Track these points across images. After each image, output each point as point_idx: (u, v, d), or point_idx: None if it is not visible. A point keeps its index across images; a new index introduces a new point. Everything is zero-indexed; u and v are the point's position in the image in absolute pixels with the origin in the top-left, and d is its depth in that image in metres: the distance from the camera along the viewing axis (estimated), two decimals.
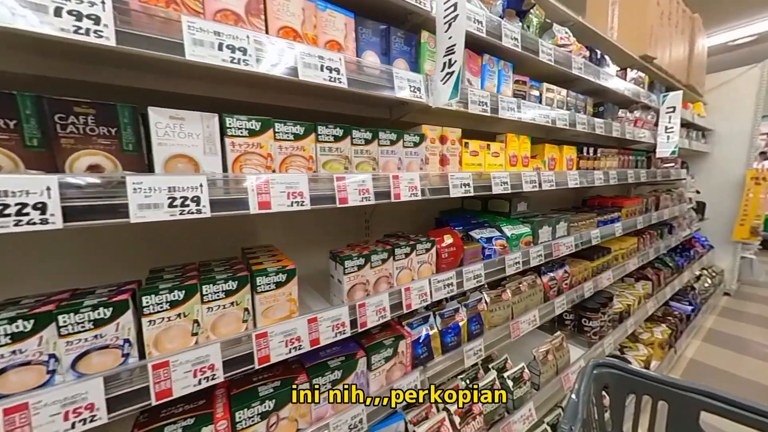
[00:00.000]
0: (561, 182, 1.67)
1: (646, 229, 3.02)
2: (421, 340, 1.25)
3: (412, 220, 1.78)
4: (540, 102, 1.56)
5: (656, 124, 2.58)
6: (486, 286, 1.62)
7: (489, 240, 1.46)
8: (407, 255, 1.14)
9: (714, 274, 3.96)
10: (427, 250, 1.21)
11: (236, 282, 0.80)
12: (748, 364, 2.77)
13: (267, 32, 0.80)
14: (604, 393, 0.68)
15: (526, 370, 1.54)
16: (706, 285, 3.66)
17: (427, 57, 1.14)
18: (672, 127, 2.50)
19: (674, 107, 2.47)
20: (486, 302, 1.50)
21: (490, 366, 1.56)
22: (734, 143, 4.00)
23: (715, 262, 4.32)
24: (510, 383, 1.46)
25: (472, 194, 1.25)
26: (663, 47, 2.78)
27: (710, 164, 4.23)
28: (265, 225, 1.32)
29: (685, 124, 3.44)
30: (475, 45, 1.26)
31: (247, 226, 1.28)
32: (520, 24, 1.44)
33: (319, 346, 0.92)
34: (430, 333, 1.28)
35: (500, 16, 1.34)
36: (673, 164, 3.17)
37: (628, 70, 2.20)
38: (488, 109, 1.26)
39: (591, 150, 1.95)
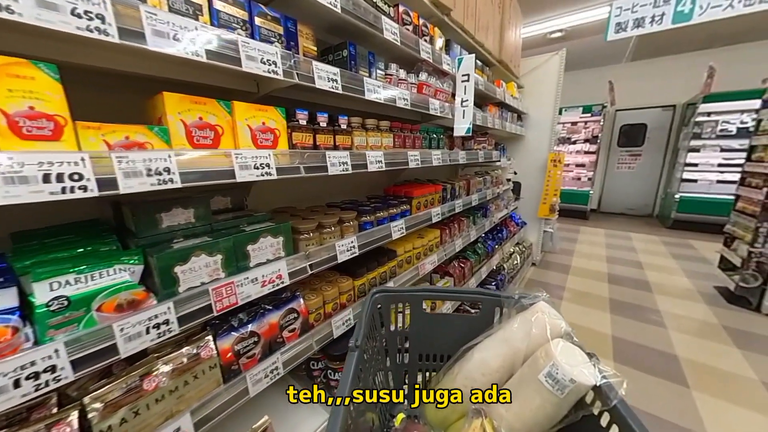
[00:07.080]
0: (198, 173, 0.85)
1: (456, 216, 2.77)
2: None
3: None
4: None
5: (454, 96, 2.15)
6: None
7: None
8: None
9: (524, 249, 4.31)
10: None
11: None
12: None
13: None
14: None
15: None
16: (516, 262, 3.88)
17: None
18: (467, 100, 2.09)
19: (468, 75, 2.06)
20: None
21: None
22: (542, 128, 4.30)
23: (527, 237, 4.78)
24: None
25: None
26: (467, 5, 2.35)
27: (525, 147, 4.50)
28: None
29: (499, 104, 3.33)
30: None
31: None
32: None
33: None
34: None
35: None
36: (484, 146, 2.97)
37: (402, 6, 1.57)
38: None
39: (321, 119, 1.23)
